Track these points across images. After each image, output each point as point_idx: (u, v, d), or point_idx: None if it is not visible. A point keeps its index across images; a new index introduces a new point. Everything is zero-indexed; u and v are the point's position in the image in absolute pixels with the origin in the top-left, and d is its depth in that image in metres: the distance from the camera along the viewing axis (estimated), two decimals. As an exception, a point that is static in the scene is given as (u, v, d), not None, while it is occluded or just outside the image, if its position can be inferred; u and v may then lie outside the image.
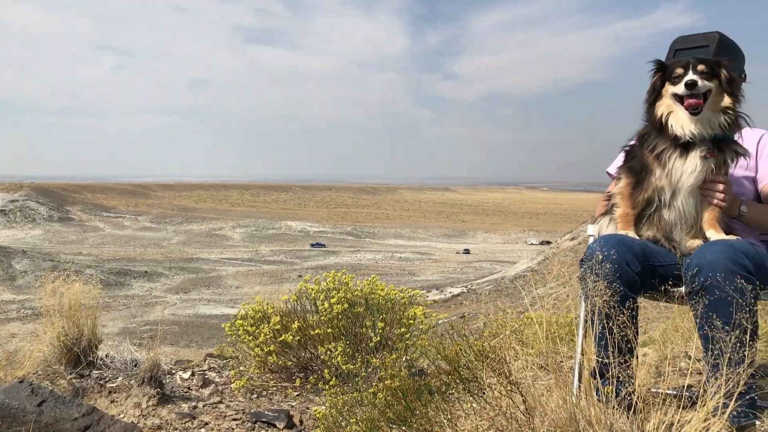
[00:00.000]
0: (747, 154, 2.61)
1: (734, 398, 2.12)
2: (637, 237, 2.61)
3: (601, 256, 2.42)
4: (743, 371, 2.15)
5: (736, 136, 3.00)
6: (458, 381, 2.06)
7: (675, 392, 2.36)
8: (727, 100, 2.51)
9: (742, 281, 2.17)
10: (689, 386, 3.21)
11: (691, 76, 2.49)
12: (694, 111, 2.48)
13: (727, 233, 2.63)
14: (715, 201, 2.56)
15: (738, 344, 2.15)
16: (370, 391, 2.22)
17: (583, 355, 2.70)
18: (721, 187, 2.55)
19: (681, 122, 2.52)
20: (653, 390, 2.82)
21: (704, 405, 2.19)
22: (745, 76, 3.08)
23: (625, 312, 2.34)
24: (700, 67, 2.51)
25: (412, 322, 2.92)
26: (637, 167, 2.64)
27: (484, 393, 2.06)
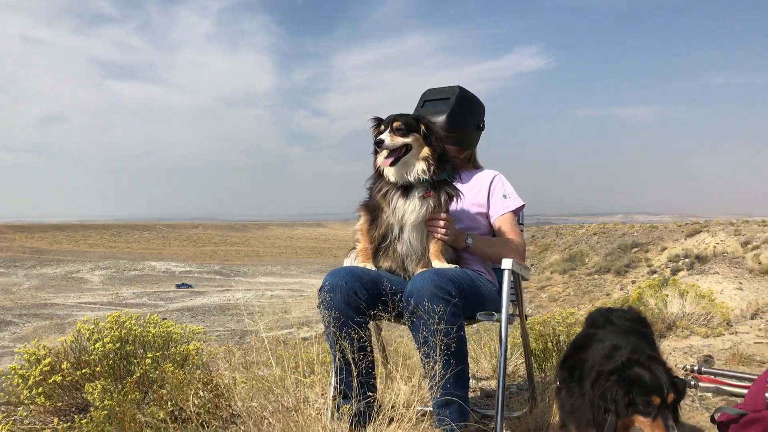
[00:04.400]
0: (458, 195, 2.97)
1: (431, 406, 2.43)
2: (374, 268, 2.92)
3: (331, 286, 2.70)
4: (438, 382, 2.47)
5: (475, 176, 3.42)
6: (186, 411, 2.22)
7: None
8: (426, 151, 2.87)
9: (432, 305, 2.50)
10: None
11: (382, 136, 2.84)
12: (389, 164, 2.83)
13: (454, 263, 3.00)
14: (438, 235, 2.92)
15: (428, 360, 2.48)
16: (85, 418, 2.34)
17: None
18: (442, 222, 2.91)
19: (389, 170, 2.87)
20: (419, 408, 3.11)
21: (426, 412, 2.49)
22: (484, 125, 3.52)
23: (353, 335, 2.62)
24: (396, 124, 2.86)
25: (177, 358, 3.06)
26: (371, 206, 2.96)
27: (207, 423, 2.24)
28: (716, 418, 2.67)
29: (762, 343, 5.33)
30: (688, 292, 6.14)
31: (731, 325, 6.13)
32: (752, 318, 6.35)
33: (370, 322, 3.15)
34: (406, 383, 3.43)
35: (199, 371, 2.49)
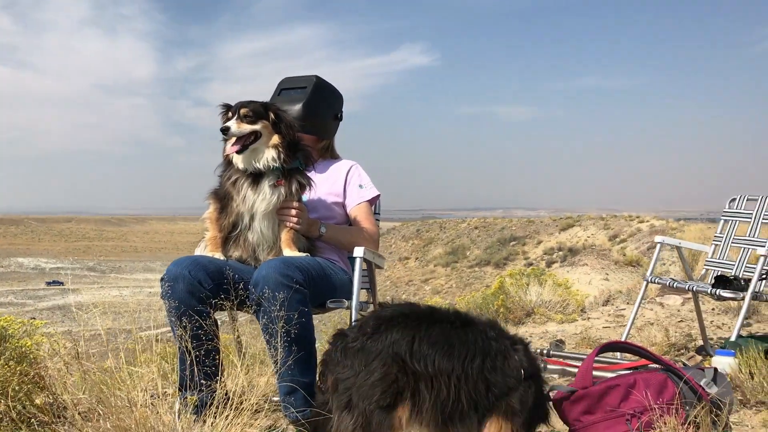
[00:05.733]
0: (310, 184, 2.98)
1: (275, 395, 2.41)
2: (222, 257, 2.87)
3: (173, 276, 2.63)
4: (281, 370, 2.47)
5: (332, 166, 3.42)
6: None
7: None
8: (275, 139, 2.86)
9: (276, 292, 2.49)
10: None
11: (228, 123, 2.80)
12: (237, 152, 2.80)
13: (308, 252, 3.00)
14: (290, 224, 2.91)
15: (275, 349, 2.47)
16: None
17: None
18: (293, 211, 2.90)
19: (237, 158, 2.83)
20: (274, 399, 3.09)
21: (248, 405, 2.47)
22: (341, 115, 3.53)
23: (195, 325, 2.56)
24: (243, 111, 2.83)
25: (14, 353, 2.88)
26: (221, 194, 2.91)
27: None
28: (551, 396, 2.82)
29: (610, 327, 5.70)
30: (546, 281, 6.47)
31: (585, 312, 6.52)
32: (604, 305, 6.79)
33: (227, 312, 3.11)
34: (268, 375, 3.41)
35: (24, 364, 2.34)
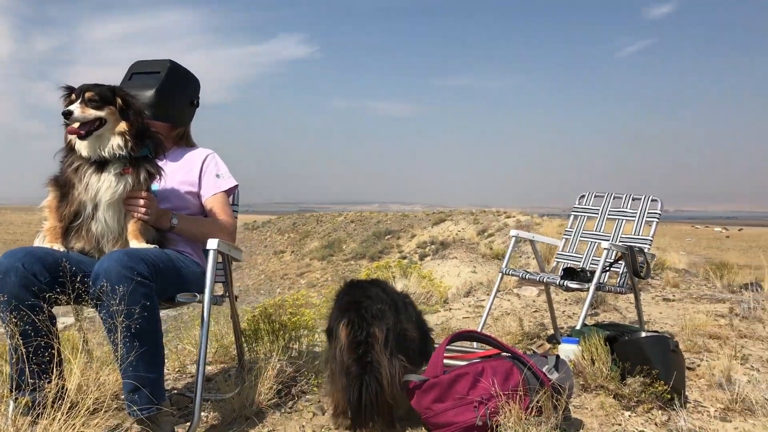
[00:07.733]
0: (160, 173, 2.86)
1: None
2: (62, 249, 2.69)
3: (5, 268, 2.44)
4: (123, 366, 2.35)
5: (187, 155, 3.30)
6: None
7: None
8: (122, 126, 2.71)
9: (118, 286, 2.37)
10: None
11: (71, 106, 2.62)
12: (79, 138, 2.64)
13: (158, 243, 2.87)
14: (138, 214, 2.77)
15: (115, 345, 2.35)
16: None
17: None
18: (141, 201, 2.76)
19: (80, 144, 2.67)
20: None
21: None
22: (198, 102, 3.41)
23: (28, 320, 2.39)
24: (89, 94, 2.66)
25: None
26: (62, 181, 2.73)
27: None
28: (406, 385, 2.87)
29: (469, 317, 5.89)
30: (412, 274, 6.61)
31: (447, 303, 6.71)
32: (466, 296, 7.01)
33: (71, 307, 2.92)
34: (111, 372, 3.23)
35: None
